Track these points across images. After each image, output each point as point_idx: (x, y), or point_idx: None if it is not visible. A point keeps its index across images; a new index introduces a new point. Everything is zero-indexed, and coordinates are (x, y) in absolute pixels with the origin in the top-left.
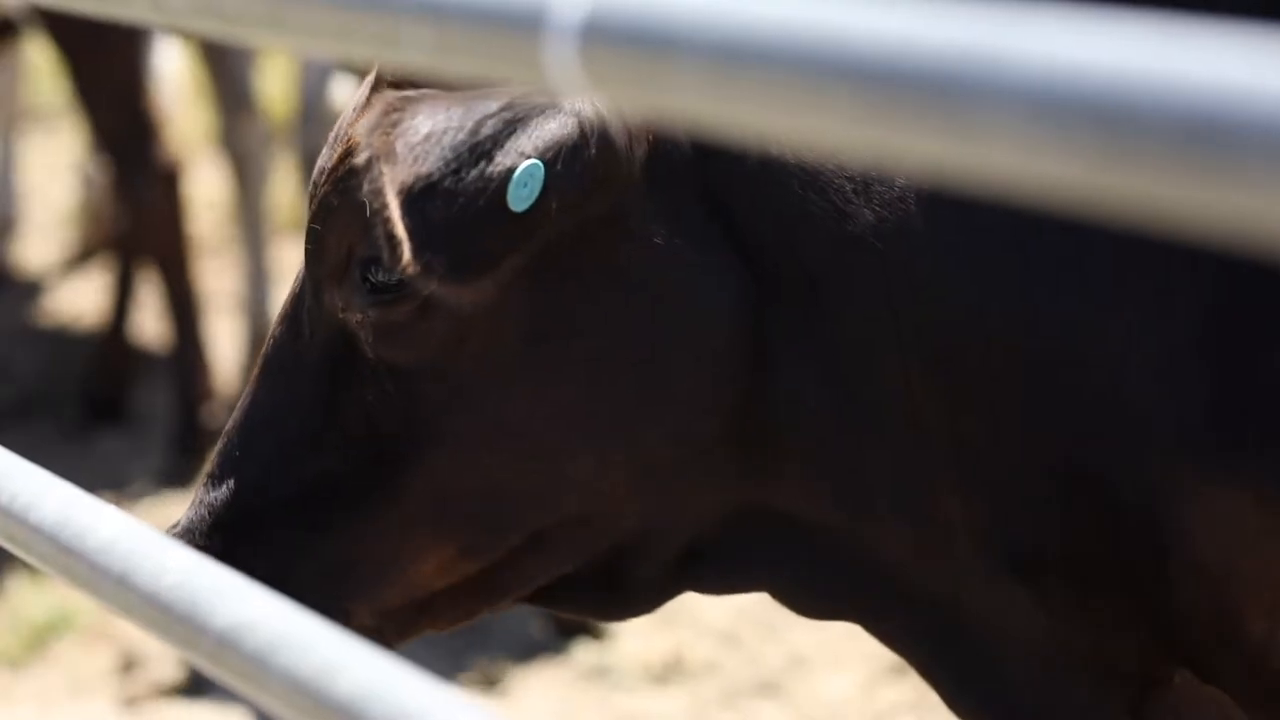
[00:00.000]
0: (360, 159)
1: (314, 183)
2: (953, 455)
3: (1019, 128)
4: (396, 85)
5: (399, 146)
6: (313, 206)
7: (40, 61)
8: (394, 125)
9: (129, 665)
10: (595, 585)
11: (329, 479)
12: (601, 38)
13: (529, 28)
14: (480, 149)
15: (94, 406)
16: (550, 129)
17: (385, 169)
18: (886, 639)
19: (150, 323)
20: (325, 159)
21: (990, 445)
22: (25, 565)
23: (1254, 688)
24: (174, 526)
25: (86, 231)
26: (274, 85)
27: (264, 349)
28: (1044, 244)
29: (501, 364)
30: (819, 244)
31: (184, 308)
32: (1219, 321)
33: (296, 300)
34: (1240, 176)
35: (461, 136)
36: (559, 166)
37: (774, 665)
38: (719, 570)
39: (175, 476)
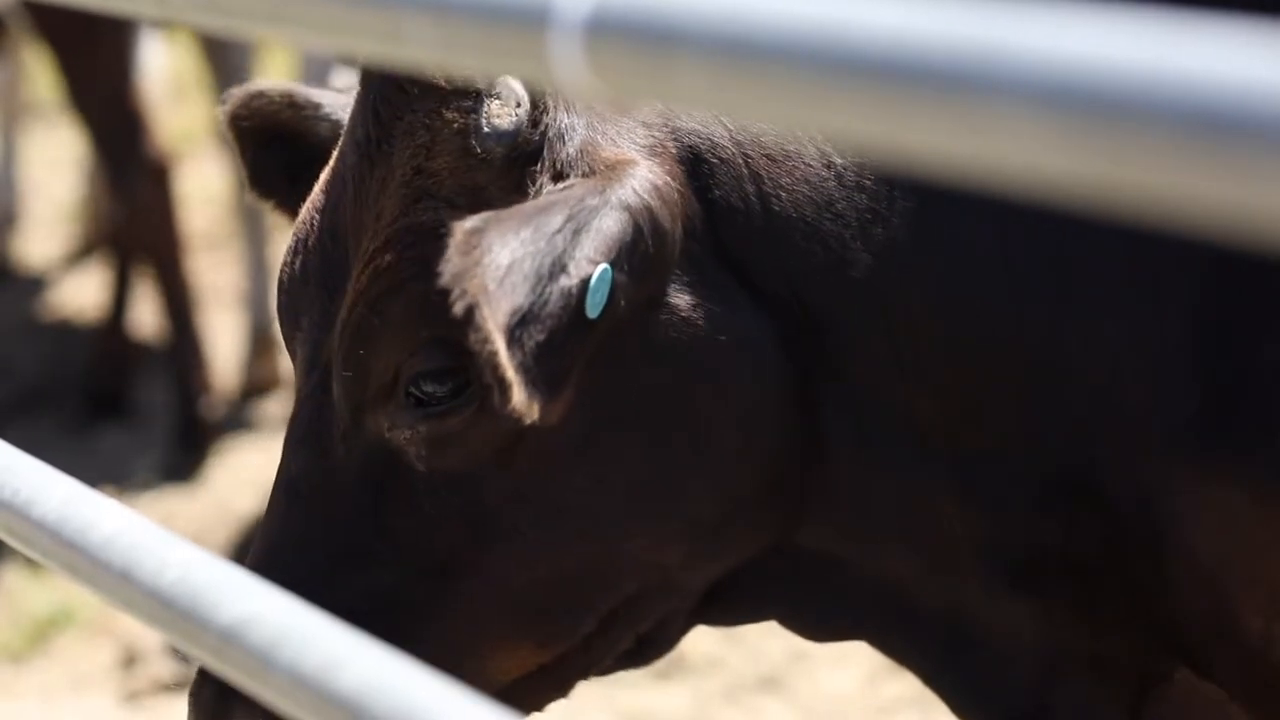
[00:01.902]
0: (459, 308)
1: (288, 293)
2: (956, 474)
3: (1026, 121)
4: (393, 85)
5: (490, 285)
6: (345, 331)
7: (42, 58)
8: (477, 264)
9: (130, 660)
10: (630, 646)
11: (386, 592)
12: (607, 33)
13: (534, 23)
14: (557, 266)
15: (95, 401)
16: (608, 228)
17: (486, 313)
18: (890, 652)
19: (151, 318)
20: (293, 268)
21: (992, 459)
22: (27, 560)
23: (1251, 683)
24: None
25: (88, 227)
26: (275, 78)
27: (282, 474)
28: (1035, 259)
29: (557, 455)
30: (823, 292)
31: (179, 302)
32: (1210, 321)
33: (313, 423)
34: (1249, 170)
35: (540, 259)
36: (624, 265)
37: (776, 660)
38: (736, 606)
39: (176, 471)
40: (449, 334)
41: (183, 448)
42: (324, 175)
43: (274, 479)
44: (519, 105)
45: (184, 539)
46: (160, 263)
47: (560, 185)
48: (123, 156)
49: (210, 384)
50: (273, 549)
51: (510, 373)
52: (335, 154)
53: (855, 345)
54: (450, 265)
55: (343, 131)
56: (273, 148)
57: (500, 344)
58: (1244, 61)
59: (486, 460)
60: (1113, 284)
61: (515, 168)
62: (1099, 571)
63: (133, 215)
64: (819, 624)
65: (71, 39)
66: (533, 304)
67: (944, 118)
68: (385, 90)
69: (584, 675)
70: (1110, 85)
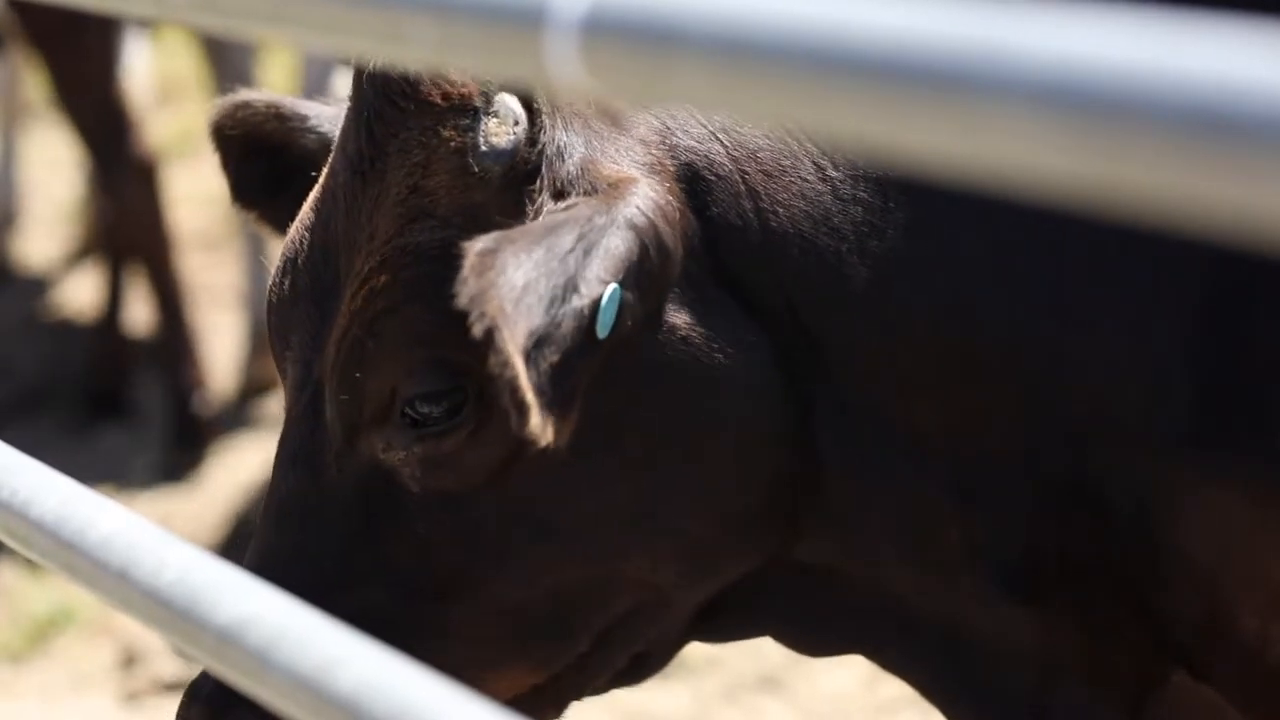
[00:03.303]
0: (478, 330)
1: (277, 313)
2: (954, 480)
3: (1026, 121)
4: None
5: (507, 307)
6: (339, 353)
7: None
8: (493, 285)
9: (130, 660)
10: (624, 665)
11: (376, 615)
12: (603, 32)
13: (531, 22)
14: (570, 287)
15: (95, 401)
16: (616, 247)
17: (506, 335)
18: (887, 664)
19: (149, 317)
20: (282, 287)
21: (990, 463)
22: (27, 560)
23: (1247, 686)
24: (208, 687)
25: (88, 227)
26: (276, 77)
27: (273, 494)
28: (1032, 262)
29: (553, 475)
30: (820, 306)
31: (171, 300)
32: (1206, 321)
33: (304, 442)
34: (1249, 170)
35: (553, 280)
36: (631, 284)
37: (776, 660)
38: (731, 622)
39: (174, 470)
40: (446, 355)
41: (178, 446)
42: (314, 192)
43: (265, 499)
44: (516, 123)
45: (182, 539)
46: (150, 261)
47: (564, 204)
48: (110, 156)
49: (203, 381)
50: (263, 568)
51: (530, 396)
52: (325, 170)
53: (853, 357)
54: (467, 287)
55: (333, 147)
56: (257, 159)
57: (520, 367)
58: (1244, 61)
59: (481, 481)
60: (1111, 285)
61: (513, 187)
62: (1097, 574)
63: (121, 214)
64: (815, 638)
65: (58, 40)
66: (548, 325)
67: (942, 117)
68: (379, 106)
69: (579, 694)
70: (1110, 85)
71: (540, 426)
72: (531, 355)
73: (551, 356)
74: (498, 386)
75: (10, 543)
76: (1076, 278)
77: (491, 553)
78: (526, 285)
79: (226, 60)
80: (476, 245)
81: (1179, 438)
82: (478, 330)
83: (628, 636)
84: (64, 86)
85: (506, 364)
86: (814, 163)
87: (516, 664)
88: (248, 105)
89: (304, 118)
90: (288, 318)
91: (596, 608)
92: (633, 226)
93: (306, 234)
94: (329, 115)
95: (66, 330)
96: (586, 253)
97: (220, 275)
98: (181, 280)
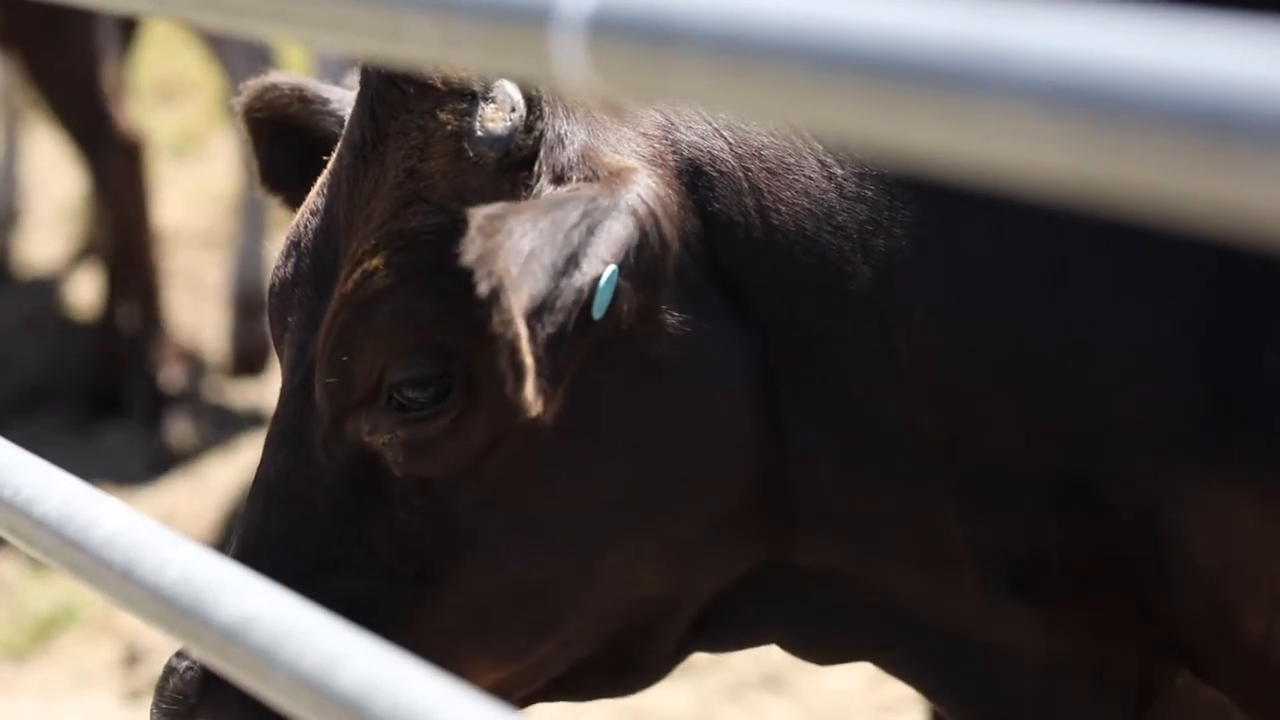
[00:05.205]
0: (484, 288)
1: (278, 295)
2: (957, 485)
3: (1027, 119)
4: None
5: (513, 270)
6: (330, 335)
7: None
8: (500, 247)
9: (132, 658)
10: (610, 668)
11: (358, 598)
12: (608, 30)
13: (536, 20)
14: (572, 261)
15: (96, 400)
16: (616, 230)
17: (512, 298)
18: (891, 668)
19: (130, 299)
20: (284, 270)
21: (993, 466)
22: (29, 558)
23: (1252, 686)
24: (186, 660)
25: (90, 226)
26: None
27: (261, 474)
28: (1035, 263)
29: (534, 466)
30: (820, 306)
31: (146, 281)
32: (1214, 322)
33: (295, 425)
34: (1252, 169)
35: (557, 252)
36: (630, 269)
37: (779, 659)
38: (731, 630)
39: (171, 464)
40: (435, 340)
41: (150, 426)
42: (321, 177)
43: (254, 477)
44: (513, 110)
45: (185, 537)
46: (129, 241)
47: (566, 187)
48: (92, 138)
49: (173, 359)
50: (249, 549)
51: (529, 358)
52: (334, 155)
53: (852, 358)
54: (474, 245)
55: (343, 131)
56: (284, 141)
57: (523, 328)
58: (1247, 59)
59: (463, 468)
60: (1114, 286)
61: (508, 173)
62: (1101, 575)
63: (104, 192)
64: (819, 643)
65: (41, 38)
66: (549, 295)
67: (944, 115)
68: (382, 90)
69: (536, 685)
70: (1114, 83)
71: (533, 393)
72: (530, 323)
73: (550, 326)
74: (496, 349)
75: (13, 540)
76: (1081, 279)
77: (469, 541)
78: (532, 252)
79: (228, 59)
80: (483, 210)
81: (1183, 439)
82: (483, 289)
83: (595, 634)
84: (44, 80)
85: (510, 324)
86: (819, 160)
87: (483, 653)
88: (274, 87)
89: (326, 101)
90: (288, 299)
91: (567, 604)
92: (634, 212)
93: (311, 217)
94: (350, 100)
95: (67, 329)
96: (590, 231)
97: (220, 273)
98: (159, 262)
